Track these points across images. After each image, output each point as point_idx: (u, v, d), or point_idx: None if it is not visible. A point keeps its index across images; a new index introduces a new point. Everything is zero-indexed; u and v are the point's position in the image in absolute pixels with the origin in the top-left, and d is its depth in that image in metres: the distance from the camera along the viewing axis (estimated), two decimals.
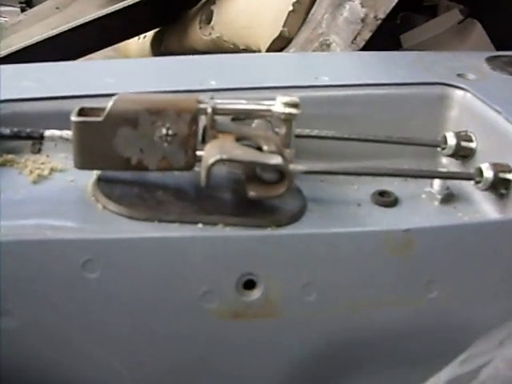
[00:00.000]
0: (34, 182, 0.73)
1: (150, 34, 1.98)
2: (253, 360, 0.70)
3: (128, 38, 1.88)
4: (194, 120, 0.67)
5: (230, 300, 0.66)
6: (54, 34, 1.62)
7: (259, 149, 0.67)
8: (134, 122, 0.66)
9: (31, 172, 0.74)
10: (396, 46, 1.57)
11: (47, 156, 0.78)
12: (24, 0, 2.88)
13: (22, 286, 0.64)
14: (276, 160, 0.64)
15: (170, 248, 0.65)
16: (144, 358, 0.68)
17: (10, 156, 0.77)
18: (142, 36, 1.98)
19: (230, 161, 0.65)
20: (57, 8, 2.32)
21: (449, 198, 0.79)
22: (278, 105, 0.68)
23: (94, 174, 0.72)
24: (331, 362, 0.71)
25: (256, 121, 0.74)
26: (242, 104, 0.70)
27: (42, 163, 0.76)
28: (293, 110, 0.68)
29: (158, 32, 1.96)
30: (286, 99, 0.68)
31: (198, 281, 0.65)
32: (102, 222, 0.66)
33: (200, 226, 0.66)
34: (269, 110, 0.69)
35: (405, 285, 0.70)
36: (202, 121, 0.68)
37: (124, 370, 0.68)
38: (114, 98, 0.66)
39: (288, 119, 0.69)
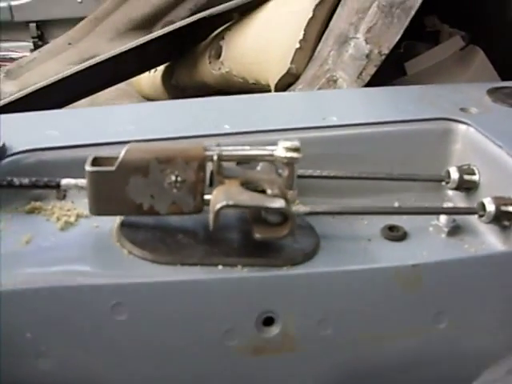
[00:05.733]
0: (62, 229, 0.76)
1: (161, 68, 2.01)
2: None
3: (141, 73, 1.92)
4: (201, 167, 0.71)
5: (251, 337, 0.70)
6: (70, 73, 1.67)
7: (264, 191, 0.70)
8: (145, 171, 0.69)
9: (58, 219, 0.78)
10: (400, 73, 1.61)
11: (72, 202, 0.82)
12: (36, 35, 2.91)
13: (56, 329, 0.68)
14: (279, 203, 0.68)
15: (193, 290, 0.68)
16: None
17: (38, 203, 0.80)
18: (153, 70, 2.02)
19: (235, 206, 0.68)
20: (69, 43, 2.37)
21: (455, 230, 0.82)
22: (280, 149, 0.72)
23: (118, 218, 0.76)
24: None
25: (261, 163, 0.77)
26: (245, 150, 0.73)
27: (68, 210, 0.80)
28: (294, 154, 0.71)
29: (168, 66, 2.00)
30: (288, 144, 0.71)
31: (220, 320, 0.69)
32: (128, 267, 0.70)
33: (220, 267, 0.70)
34: (271, 155, 0.72)
35: (415, 317, 0.74)
36: (209, 166, 0.72)
37: None
38: (126, 147, 0.70)
39: (290, 163, 0.72)
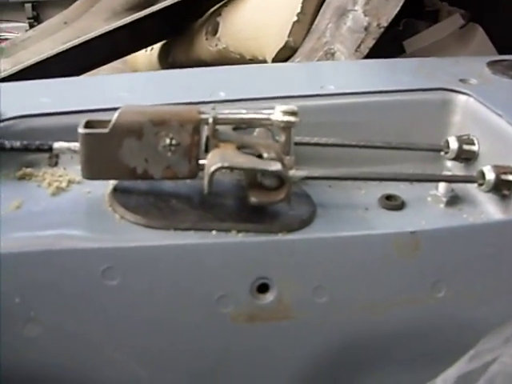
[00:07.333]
0: (53, 194, 0.75)
1: (157, 46, 1.99)
2: (267, 361, 0.72)
3: (136, 51, 1.90)
4: (196, 130, 0.69)
5: (245, 303, 0.69)
6: (64, 49, 1.65)
7: (260, 156, 0.69)
8: (139, 133, 0.68)
9: (50, 185, 0.77)
10: (399, 51, 1.59)
11: (64, 169, 0.81)
12: (32, 16, 2.90)
13: (45, 294, 0.66)
14: (275, 166, 0.66)
15: (186, 255, 0.67)
16: (163, 362, 0.70)
17: (29, 170, 0.79)
18: (149, 48, 1.99)
19: (231, 168, 0.67)
20: (65, 23, 2.35)
21: (454, 200, 0.81)
22: (277, 113, 0.70)
23: (110, 184, 0.74)
24: (343, 361, 0.73)
25: (257, 129, 0.76)
26: (242, 114, 0.71)
27: (60, 176, 0.79)
28: (291, 118, 0.70)
29: (165, 44, 1.98)
30: (285, 108, 0.70)
31: (214, 286, 0.68)
32: (120, 232, 0.68)
33: (214, 233, 0.68)
34: (268, 119, 0.71)
35: (413, 285, 0.72)
36: (205, 131, 0.70)
37: (144, 374, 0.71)
38: (119, 110, 0.68)
39: (287, 127, 0.71)
